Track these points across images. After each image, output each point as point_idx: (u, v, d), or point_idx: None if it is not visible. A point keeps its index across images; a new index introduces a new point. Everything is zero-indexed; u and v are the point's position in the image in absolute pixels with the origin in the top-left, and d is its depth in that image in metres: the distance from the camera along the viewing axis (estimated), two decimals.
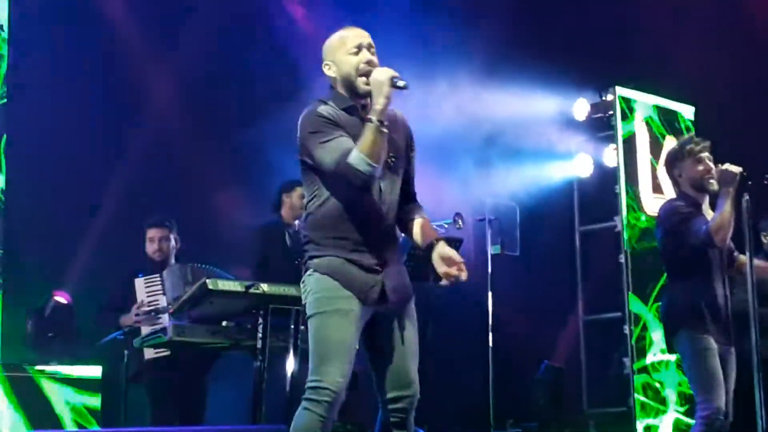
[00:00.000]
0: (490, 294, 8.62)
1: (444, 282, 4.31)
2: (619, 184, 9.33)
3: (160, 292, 6.96)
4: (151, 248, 7.32)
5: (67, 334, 7.51)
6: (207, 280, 5.81)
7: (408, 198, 4.53)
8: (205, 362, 7.00)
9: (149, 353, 6.88)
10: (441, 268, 4.29)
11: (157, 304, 6.92)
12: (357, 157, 4.10)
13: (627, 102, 9.56)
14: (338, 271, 4.22)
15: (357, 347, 4.24)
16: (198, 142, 8.90)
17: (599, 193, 9.78)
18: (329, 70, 4.38)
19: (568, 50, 9.66)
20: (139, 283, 7.09)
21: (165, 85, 9.03)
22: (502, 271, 8.80)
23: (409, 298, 4.40)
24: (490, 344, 8.53)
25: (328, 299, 4.20)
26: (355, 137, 4.19)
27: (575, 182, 10.11)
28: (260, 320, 5.93)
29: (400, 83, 4.23)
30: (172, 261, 7.26)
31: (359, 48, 4.32)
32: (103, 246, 8.34)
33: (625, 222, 9.25)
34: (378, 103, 4.17)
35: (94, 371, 6.85)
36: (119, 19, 8.89)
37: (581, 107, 9.96)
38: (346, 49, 4.33)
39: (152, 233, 7.34)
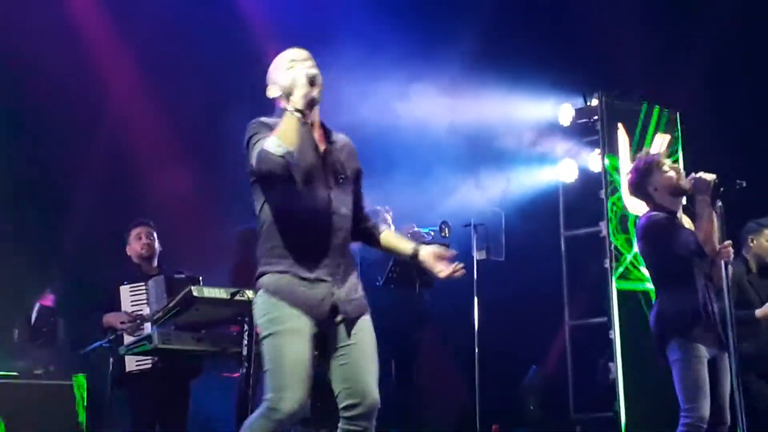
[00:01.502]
0: (476, 299, 8.61)
1: (443, 273, 4.49)
2: (604, 189, 9.34)
3: (145, 301, 6.94)
4: (139, 245, 7.28)
5: (53, 341, 7.49)
6: (192, 288, 5.80)
7: (363, 215, 4.65)
8: (189, 370, 6.97)
9: (131, 365, 6.85)
10: (439, 266, 4.48)
11: (141, 313, 6.89)
12: (270, 141, 4.20)
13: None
14: (284, 289, 4.29)
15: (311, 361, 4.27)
16: (170, 143, 8.89)
17: (584, 199, 9.79)
18: (272, 92, 4.52)
19: (553, 56, 9.68)
20: (125, 290, 7.07)
21: (132, 84, 8.98)
22: (487, 277, 8.79)
23: (364, 308, 4.45)
24: (476, 350, 8.52)
25: (277, 319, 4.26)
26: (300, 150, 4.28)
27: (560, 187, 10.12)
28: (245, 327, 5.91)
29: (309, 72, 4.37)
30: (155, 263, 7.25)
31: (293, 63, 4.46)
32: (84, 251, 8.32)
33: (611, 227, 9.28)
34: (296, 94, 4.31)
35: None
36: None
37: (566, 112, 9.97)
38: (284, 66, 4.48)
39: (139, 230, 7.31)
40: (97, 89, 8.77)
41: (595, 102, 9.73)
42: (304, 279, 4.30)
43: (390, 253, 4.67)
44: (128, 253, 7.31)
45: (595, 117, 9.66)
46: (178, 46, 8.83)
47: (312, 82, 4.34)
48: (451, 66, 9.50)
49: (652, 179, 6.03)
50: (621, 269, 9.29)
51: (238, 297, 5.85)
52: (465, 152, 9.58)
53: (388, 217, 8.70)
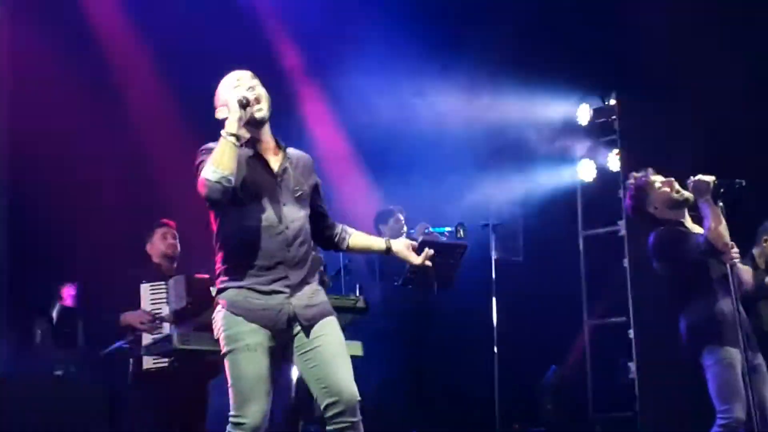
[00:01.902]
0: (494, 300, 8.62)
1: (428, 262, 4.75)
2: (623, 188, 9.32)
3: (164, 300, 6.97)
4: (164, 245, 7.32)
5: (73, 342, 7.52)
6: (212, 288, 5.81)
7: (327, 224, 4.79)
8: (208, 370, 7.00)
9: (147, 363, 6.88)
10: (411, 255, 4.79)
11: (160, 313, 6.92)
12: (206, 168, 4.29)
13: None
14: (240, 305, 4.39)
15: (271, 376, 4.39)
16: (192, 143, 8.92)
17: (602, 198, 9.79)
18: (220, 114, 4.57)
19: (571, 56, 9.67)
20: (145, 289, 7.09)
21: (153, 83, 9.01)
22: (505, 277, 8.80)
23: (326, 312, 4.52)
24: (495, 350, 8.53)
25: (235, 336, 4.37)
26: (248, 168, 4.43)
27: (578, 187, 10.12)
28: None
29: (242, 96, 4.44)
30: (175, 264, 7.29)
31: (239, 80, 4.55)
32: (106, 250, 8.35)
33: None
34: (230, 118, 4.39)
35: None
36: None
37: (584, 112, 9.97)
38: (225, 92, 4.55)
39: (165, 231, 7.36)
40: (118, 88, 8.80)
41: (613, 102, 9.72)
42: (259, 292, 4.40)
43: (363, 253, 4.77)
44: (149, 252, 7.35)
45: (613, 116, 9.66)
46: (199, 48, 8.85)
47: (243, 105, 4.41)
48: (470, 66, 9.50)
49: (648, 200, 6.05)
50: None
51: None
52: (484, 152, 9.58)
53: (401, 217, 8.71)
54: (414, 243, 4.74)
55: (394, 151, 9.42)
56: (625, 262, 9.34)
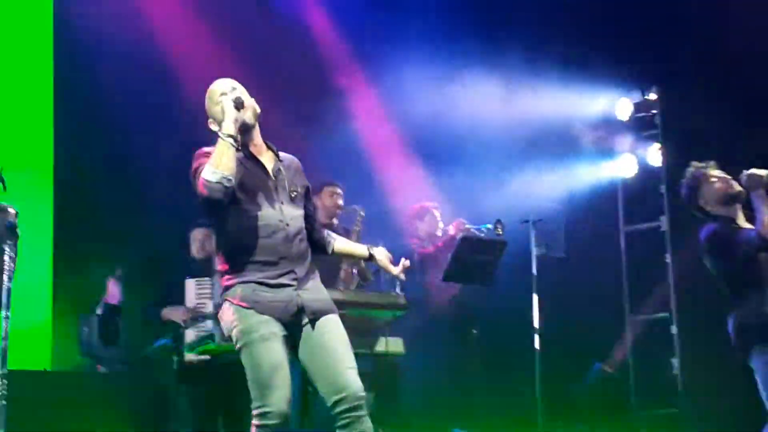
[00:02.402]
0: (535, 296, 8.59)
1: (396, 271, 4.83)
2: (664, 183, 9.28)
3: (209, 295, 7.01)
4: (194, 248, 7.39)
5: (117, 339, 7.59)
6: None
7: (315, 227, 4.82)
8: None
9: (189, 356, 6.92)
10: (392, 267, 4.86)
11: (204, 308, 6.97)
12: (206, 169, 4.38)
13: None
14: (249, 298, 4.46)
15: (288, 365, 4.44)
16: None
17: (644, 193, 9.74)
18: (212, 125, 4.64)
19: (611, 49, 9.63)
20: (190, 284, 7.14)
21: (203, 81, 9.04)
22: (547, 273, 8.77)
23: (330, 308, 4.60)
24: (537, 347, 8.50)
25: (248, 328, 4.42)
26: (244, 169, 4.53)
27: (619, 182, 10.08)
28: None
29: (234, 97, 4.55)
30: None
31: (223, 94, 4.61)
32: (151, 246, 8.41)
33: None
34: (226, 120, 4.48)
35: None
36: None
37: (624, 107, 9.92)
38: (213, 102, 4.64)
39: (197, 234, 7.42)
40: (169, 84, 8.85)
41: (653, 96, 9.66)
42: (268, 286, 4.47)
43: (347, 259, 4.81)
44: (196, 249, 7.42)
45: (654, 111, 9.61)
46: (248, 46, 8.91)
47: (238, 106, 4.51)
48: (510, 61, 9.48)
49: (700, 193, 5.99)
50: None
51: None
52: (523, 147, 9.56)
53: (437, 214, 8.70)
54: (390, 256, 4.85)
55: (431, 145, 9.42)
56: (668, 258, 9.28)
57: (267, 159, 4.66)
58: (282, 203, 4.58)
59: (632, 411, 9.64)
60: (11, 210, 6.86)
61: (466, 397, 8.30)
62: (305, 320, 4.50)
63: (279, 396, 4.36)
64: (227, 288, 4.52)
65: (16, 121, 8.41)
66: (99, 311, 7.67)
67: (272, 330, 4.42)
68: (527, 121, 9.53)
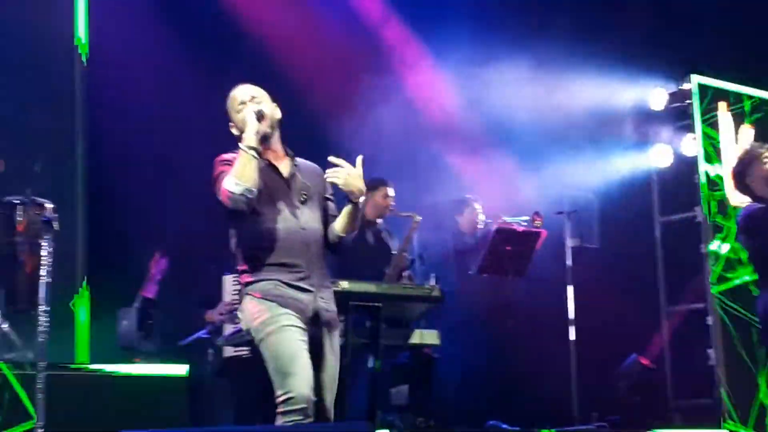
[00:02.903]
0: (570, 287, 8.58)
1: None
2: (699, 173, 9.21)
3: None
4: (233, 243, 7.42)
5: (153, 332, 7.64)
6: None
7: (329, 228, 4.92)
8: None
9: (229, 350, 6.95)
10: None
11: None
12: (228, 180, 4.55)
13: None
14: (272, 292, 4.61)
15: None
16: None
17: (679, 184, 9.69)
18: (233, 129, 4.82)
19: (645, 38, 9.58)
20: (228, 280, 7.17)
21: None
22: (581, 264, 8.75)
23: (336, 322, 4.78)
24: (572, 337, 8.49)
25: (270, 319, 4.57)
26: (262, 174, 4.65)
27: (654, 173, 10.03)
28: (341, 317, 5.97)
29: (255, 109, 4.70)
30: None
31: (243, 104, 4.77)
32: (188, 242, 8.44)
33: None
34: (246, 132, 4.63)
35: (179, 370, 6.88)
36: None
37: (659, 97, 9.87)
38: (235, 109, 4.80)
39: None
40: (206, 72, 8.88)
41: (688, 86, 9.60)
42: (289, 286, 4.61)
43: (348, 228, 4.82)
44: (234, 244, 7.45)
45: (689, 101, 9.54)
46: (298, 38, 8.93)
47: (259, 118, 4.65)
48: (544, 51, 9.45)
49: (750, 171, 5.98)
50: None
51: (333, 288, 5.91)
52: (558, 138, 9.52)
53: (477, 207, 8.69)
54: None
55: (467, 135, 9.41)
56: (703, 248, 9.23)
57: (284, 165, 4.80)
58: (297, 207, 4.72)
59: (668, 402, 9.60)
60: (48, 205, 6.94)
61: (502, 388, 8.30)
62: (317, 326, 4.65)
63: (301, 382, 4.47)
64: (248, 284, 4.65)
65: (46, 113, 8.46)
66: (137, 304, 7.72)
67: (293, 321, 4.56)
68: (562, 111, 9.50)
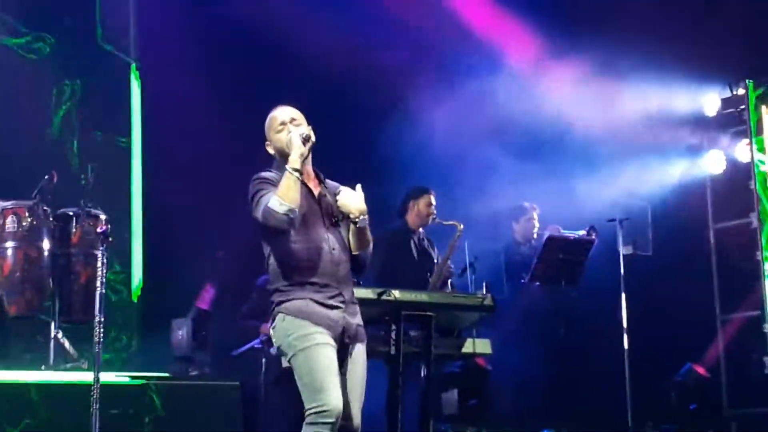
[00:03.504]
0: (623, 295, 8.52)
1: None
2: (753, 179, 9.12)
3: None
4: None
5: (207, 343, 7.68)
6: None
7: None
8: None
9: (285, 362, 6.96)
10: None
11: None
12: (274, 200, 4.67)
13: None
14: (304, 310, 4.72)
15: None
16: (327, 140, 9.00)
17: (733, 190, 9.59)
18: (269, 147, 4.97)
19: (698, 44, 9.50)
20: None
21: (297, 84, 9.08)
22: (635, 272, 8.68)
23: (363, 337, 4.88)
24: (626, 346, 8.43)
25: (303, 336, 4.68)
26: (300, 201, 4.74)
27: (708, 179, 9.94)
28: (393, 327, 5.97)
29: (303, 133, 4.79)
30: None
31: (283, 124, 4.90)
32: (242, 253, 8.48)
33: None
34: (292, 154, 4.74)
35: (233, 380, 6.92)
36: None
37: (712, 102, 9.79)
38: (275, 129, 4.93)
39: None
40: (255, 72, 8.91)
41: (741, 91, 9.51)
42: (321, 304, 4.74)
43: (359, 246, 4.90)
44: None
45: (742, 106, 9.45)
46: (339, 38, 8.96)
47: (305, 141, 4.76)
48: (594, 57, 9.40)
49: None
50: None
51: (385, 297, 5.92)
52: (609, 146, 9.47)
53: (534, 215, 8.66)
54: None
55: (518, 148, 9.37)
56: (758, 255, 9.13)
57: (313, 184, 4.91)
58: (327, 228, 4.84)
59: (723, 411, 9.51)
60: (102, 216, 7.03)
61: (556, 397, 8.25)
62: (346, 341, 4.76)
63: (335, 396, 4.58)
64: (280, 303, 4.76)
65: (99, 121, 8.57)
66: (191, 315, 7.77)
67: (324, 339, 4.68)
68: (613, 119, 9.44)
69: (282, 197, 4.64)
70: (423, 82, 9.23)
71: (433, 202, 7.92)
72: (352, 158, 8.52)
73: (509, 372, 8.05)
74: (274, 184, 4.75)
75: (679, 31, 9.46)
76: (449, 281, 7.74)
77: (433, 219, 7.87)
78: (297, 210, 4.66)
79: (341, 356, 4.74)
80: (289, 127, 4.85)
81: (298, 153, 4.73)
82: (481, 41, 9.57)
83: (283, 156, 4.81)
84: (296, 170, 4.70)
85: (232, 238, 8.45)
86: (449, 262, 7.76)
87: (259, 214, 4.71)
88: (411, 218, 7.88)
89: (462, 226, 7.72)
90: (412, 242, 7.89)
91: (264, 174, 4.86)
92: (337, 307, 4.75)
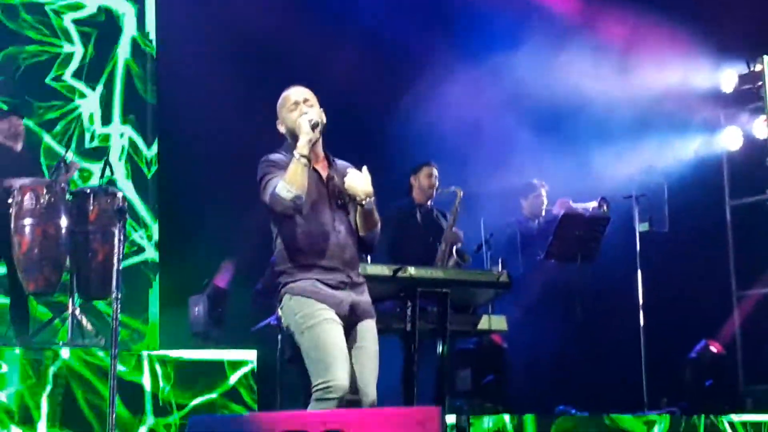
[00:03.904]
0: (639, 272, 8.51)
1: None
2: None
3: None
4: None
5: (223, 319, 7.71)
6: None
7: None
8: None
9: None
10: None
11: None
12: (281, 186, 4.70)
13: None
14: (310, 290, 4.77)
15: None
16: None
17: (750, 166, 9.57)
18: (281, 126, 4.97)
19: (715, 19, 9.46)
20: None
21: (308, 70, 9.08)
22: (651, 249, 8.68)
23: (372, 313, 4.91)
24: (641, 323, 8.43)
25: (310, 314, 4.73)
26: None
27: (724, 156, 9.91)
28: (409, 303, 5.99)
29: (312, 120, 4.77)
30: None
31: (296, 104, 4.89)
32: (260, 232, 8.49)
33: None
34: (300, 140, 4.75)
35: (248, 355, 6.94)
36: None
37: (729, 79, 9.75)
38: (287, 108, 4.93)
39: None
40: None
41: (759, 67, 9.47)
42: (327, 285, 4.78)
43: (366, 228, 4.92)
44: None
45: (760, 83, 9.41)
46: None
47: (314, 127, 4.76)
48: (611, 34, 9.37)
49: None
50: None
51: (400, 273, 5.94)
52: (626, 122, 9.44)
53: (543, 191, 8.66)
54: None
55: (531, 124, 9.36)
56: None
57: (322, 167, 4.91)
58: (334, 211, 4.86)
59: (739, 387, 9.51)
60: (119, 194, 7.06)
61: (571, 373, 8.26)
62: (353, 319, 4.80)
63: (342, 372, 4.63)
64: (286, 284, 4.81)
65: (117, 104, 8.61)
66: (208, 291, 7.80)
67: (332, 316, 4.73)
68: (629, 94, 9.42)
69: (289, 183, 4.67)
70: (437, 58, 9.21)
71: (435, 173, 7.99)
72: (364, 140, 8.57)
73: (525, 348, 8.07)
74: (282, 167, 4.77)
75: (698, 8, 9.42)
76: (455, 248, 7.74)
77: (437, 190, 7.95)
78: (303, 196, 4.69)
79: (351, 334, 4.78)
80: (302, 108, 4.85)
81: (306, 139, 4.74)
82: (498, 12, 9.53)
83: (294, 137, 4.83)
84: (304, 156, 4.71)
85: (251, 216, 8.49)
86: (455, 228, 7.80)
87: (266, 197, 4.75)
88: (416, 193, 8.02)
89: (462, 192, 7.78)
90: (417, 216, 7.96)
91: (272, 157, 4.88)
92: (343, 288, 4.80)
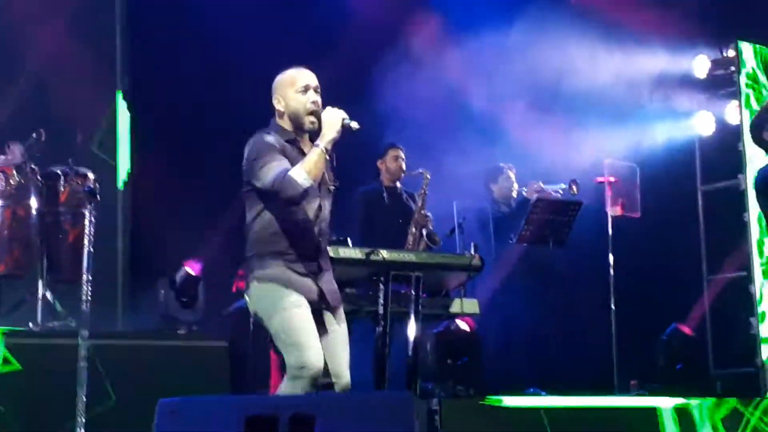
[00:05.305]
0: (611, 256, 8.54)
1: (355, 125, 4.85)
2: (743, 141, 9.12)
3: None
4: None
5: (194, 302, 7.67)
6: (328, 248, 5.89)
7: None
8: None
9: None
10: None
11: None
12: (298, 172, 4.69)
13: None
14: (280, 276, 4.80)
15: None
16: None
17: (722, 152, 9.61)
18: (278, 104, 4.92)
19: (687, 6, 9.48)
20: None
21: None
22: (622, 233, 8.71)
23: (339, 302, 5.00)
24: (613, 306, 8.47)
25: (279, 299, 4.78)
26: (294, 164, 4.77)
27: (697, 141, 9.95)
28: (381, 286, 5.99)
29: (353, 124, 4.83)
30: None
31: (306, 89, 4.87)
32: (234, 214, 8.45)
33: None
34: (328, 135, 4.75)
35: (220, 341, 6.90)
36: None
37: (701, 64, 9.77)
38: (295, 88, 4.88)
39: None
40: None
41: (732, 53, 9.50)
42: (297, 273, 4.82)
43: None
44: None
45: (732, 68, 9.44)
46: None
47: (344, 128, 4.77)
48: (584, 18, 9.37)
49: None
50: None
51: (373, 257, 5.93)
52: (598, 105, 9.46)
53: (512, 175, 8.67)
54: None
55: (504, 107, 9.35)
56: (746, 217, 9.15)
57: (308, 150, 4.87)
58: (319, 198, 4.88)
59: (709, 370, 9.57)
60: (90, 175, 7.00)
61: (542, 356, 8.30)
62: (323, 306, 4.86)
63: (315, 353, 4.69)
64: (254, 269, 4.82)
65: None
66: (179, 274, 7.75)
67: (303, 302, 4.76)
68: (602, 78, 9.43)
69: (307, 171, 4.67)
70: (416, 41, 9.19)
71: (401, 155, 7.99)
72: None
73: (496, 331, 8.10)
74: (278, 150, 4.76)
75: None
76: (425, 231, 7.74)
77: (403, 172, 7.96)
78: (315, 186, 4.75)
79: (320, 320, 4.82)
80: (312, 94, 4.83)
81: (332, 136, 4.74)
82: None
83: (293, 119, 4.83)
84: (326, 150, 4.73)
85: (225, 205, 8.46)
86: (424, 210, 7.81)
87: (267, 180, 4.71)
88: (384, 176, 8.02)
89: (429, 175, 7.80)
90: (385, 198, 7.96)
91: (268, 139, 4.84)
92: (312, 276, 4.83)
